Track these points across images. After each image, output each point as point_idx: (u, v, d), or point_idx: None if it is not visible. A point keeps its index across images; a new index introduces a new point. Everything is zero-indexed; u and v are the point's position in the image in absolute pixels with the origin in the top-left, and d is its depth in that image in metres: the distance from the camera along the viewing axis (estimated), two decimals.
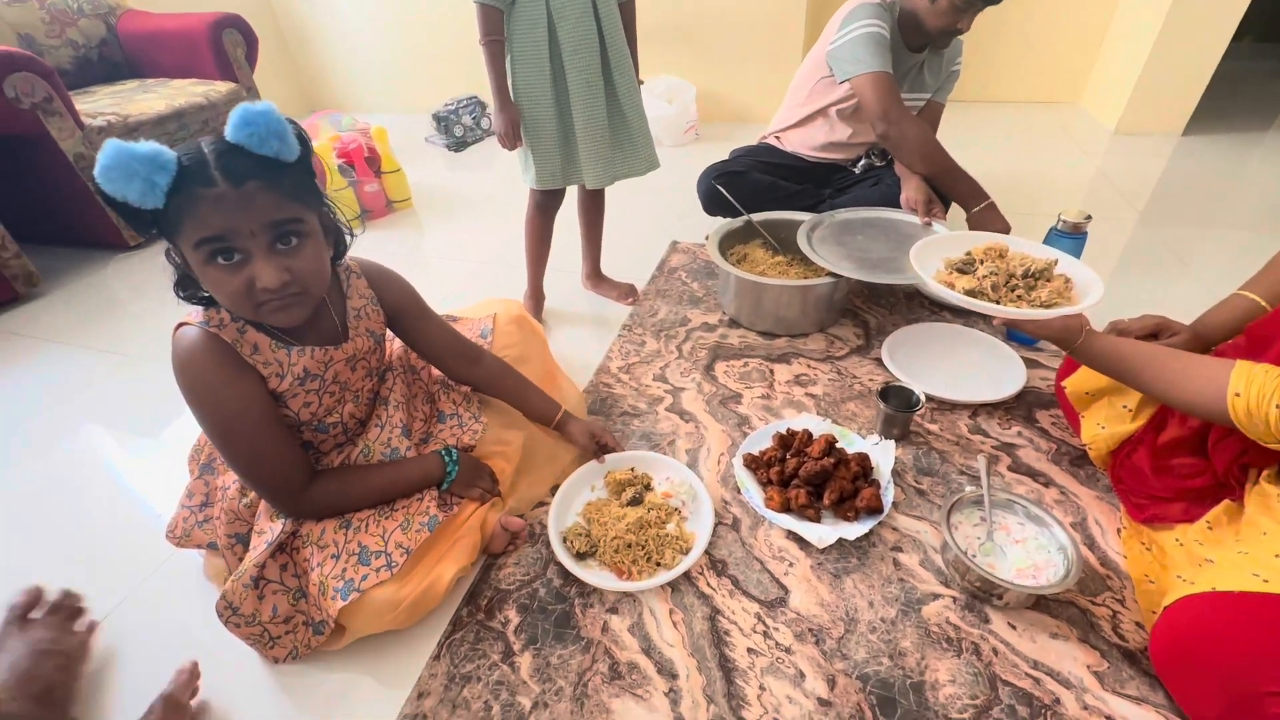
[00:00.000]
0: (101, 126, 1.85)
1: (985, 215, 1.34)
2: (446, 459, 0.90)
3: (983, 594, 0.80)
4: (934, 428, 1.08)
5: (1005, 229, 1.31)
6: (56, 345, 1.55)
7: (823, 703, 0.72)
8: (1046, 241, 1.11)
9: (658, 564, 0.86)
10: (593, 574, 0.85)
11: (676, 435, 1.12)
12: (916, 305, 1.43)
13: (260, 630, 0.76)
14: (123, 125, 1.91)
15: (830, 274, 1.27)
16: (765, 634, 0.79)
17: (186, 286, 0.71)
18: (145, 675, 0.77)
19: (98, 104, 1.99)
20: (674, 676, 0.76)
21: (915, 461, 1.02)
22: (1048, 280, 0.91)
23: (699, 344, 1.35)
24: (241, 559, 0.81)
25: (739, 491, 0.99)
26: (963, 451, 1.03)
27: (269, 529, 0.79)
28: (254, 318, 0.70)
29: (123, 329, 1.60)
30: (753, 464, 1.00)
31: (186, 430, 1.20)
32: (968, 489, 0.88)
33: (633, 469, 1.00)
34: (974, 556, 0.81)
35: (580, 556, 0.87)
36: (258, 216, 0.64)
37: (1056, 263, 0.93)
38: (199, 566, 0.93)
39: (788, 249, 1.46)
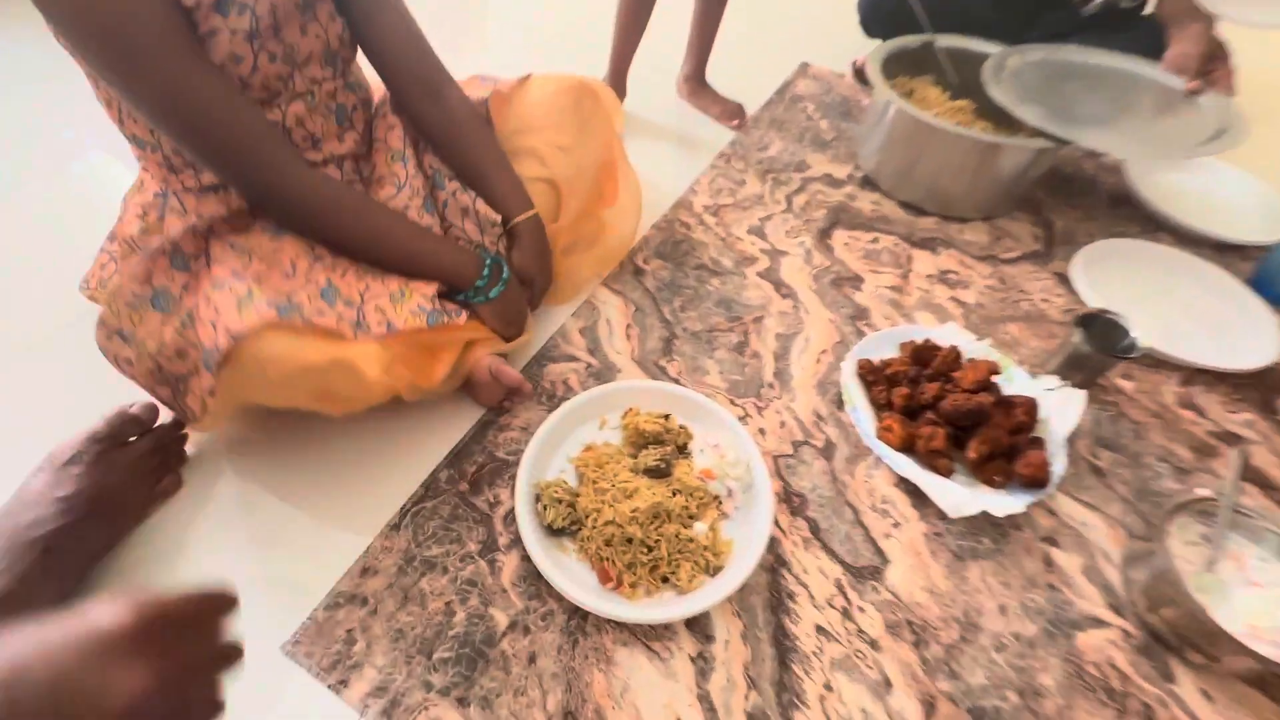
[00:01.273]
0: None
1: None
2: (488, 262, 0.64)
3: (1177, 640, 0.55)
4: (1128, 387, 0.77)
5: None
6: None
7: None
8: None
9: (665, 579, 0.56)
10: (562, 568, 0.55)
11: (766, 311, 0.82)
12: (1128, 214, 1.03)
13: (154, 367, 0.54)
14: None
15: (1035, 132, 0.87)
16: (845, 612, 0.56)
17: None
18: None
19: None
20: (709, 638, 0.54)
21: (1095, 426, 0.72)
22: None
23: (817, 200, 1.00)
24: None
25: (839, 406, 0.72)
26: (1165, 429, 0.72)
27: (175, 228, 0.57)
28: None
29: None
30: (869, 375, 0.71)
31: None
32: (1198, 491, 0.59)
33: (667, 416, 0.65)
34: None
35: (554, 532, 0.58)
36: None
37: None
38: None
39: (970, 94, 1.04)
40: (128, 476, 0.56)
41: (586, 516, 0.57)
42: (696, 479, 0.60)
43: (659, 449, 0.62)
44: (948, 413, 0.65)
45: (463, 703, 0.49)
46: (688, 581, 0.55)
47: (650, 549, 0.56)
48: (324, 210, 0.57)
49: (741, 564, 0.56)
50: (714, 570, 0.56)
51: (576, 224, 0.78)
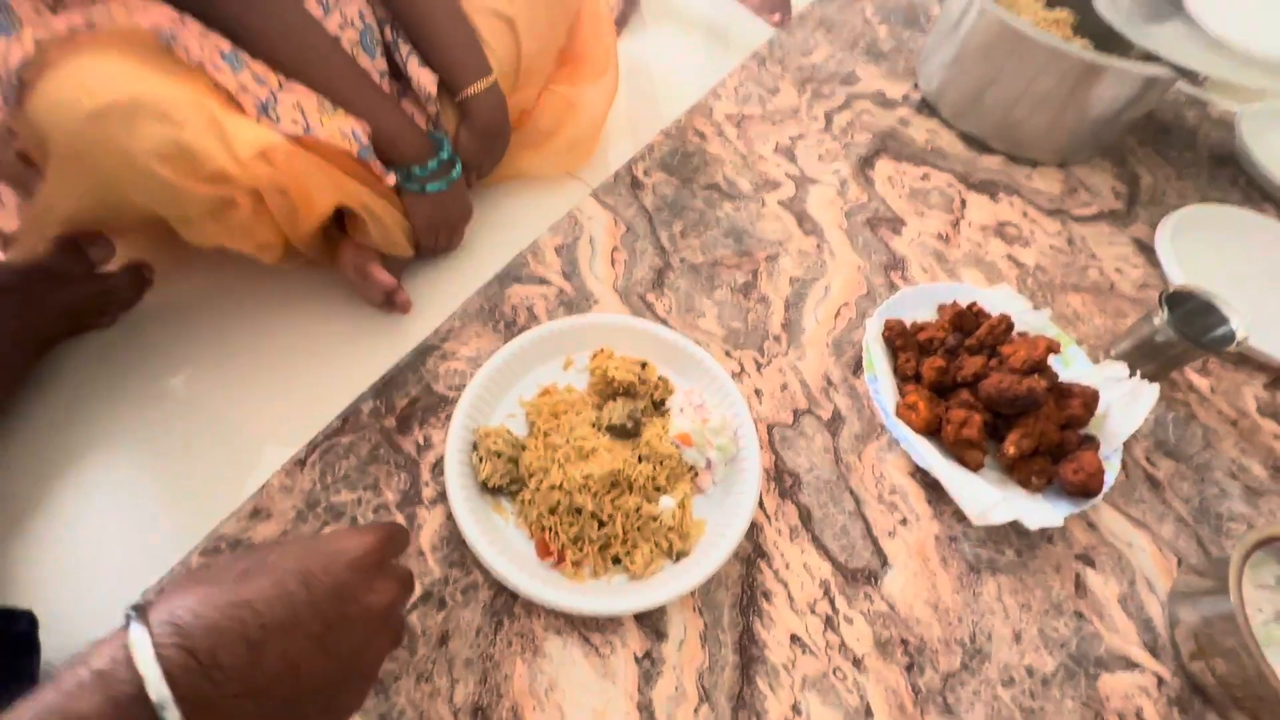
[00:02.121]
0: None
1: None
2: (439, 146, 0.53)
3: (1223, 696, 0.45)
4: (1203, 385, 0.64)
5: None
6: None
7: None
8: None
9: (616, 560, 0.45)
10: (493, 534, 0.44)
11: (783, 249, 0.68)
12: (1230, 177, 0.86)
13: None
14: None
15: (1147, 57, 0.69)
16: (829, 621, 0.47)
17: None
18: None
19: None
20: (660, 635, 0.45)
21: (1157, 428, 0.60)
22: None
23: (862, 121, 0.84)
24: None
25: (855, 371, 0.60)
26: (1241, 440, 0.60)
27: None
28: None
29: None
30: (897, 339, 0.58)
31: None
32: None
33: (644, 364, 0.52)
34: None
35: (490, 490, 0.47)
36: None
37: None
38: None
39: (1070, 2, 0.84)
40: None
41: (530, 476, 0.47)
42: (670, 444, 0.49)
43: (629, 403, 0.50)
44: (989, 396, 0.52)
45: None
46: (643, 567, 0.45)
47: (603, 524, 0.45)
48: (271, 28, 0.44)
49: (712, 552, 0.45)
50: (678, 555, 0.46)
51: (537, 100, 0.63)
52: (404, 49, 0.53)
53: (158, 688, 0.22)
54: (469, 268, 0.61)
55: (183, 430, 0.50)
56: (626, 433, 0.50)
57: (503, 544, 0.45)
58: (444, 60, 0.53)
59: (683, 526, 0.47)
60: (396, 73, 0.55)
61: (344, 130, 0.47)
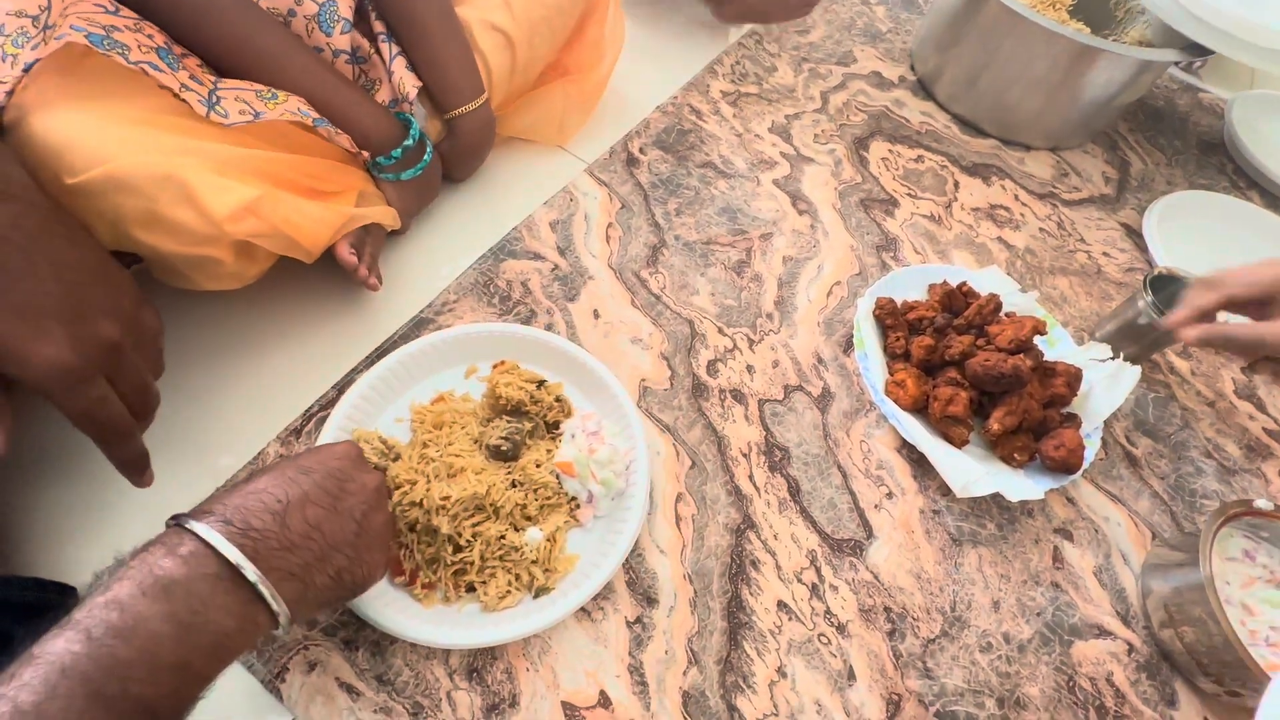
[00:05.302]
0: None
1: None
2: (409, 128, 0.52)
3: (1190, 663, 0.47)
4: (1183, 367, 0.65)
5: None
6: None
7: None
8: None
9: (470, 589, 0.43)
10: None
11: (777, 228, 0.69)
12: (1218, 164, 0.87)
13: None
14: None
15: (1142, 41, 0.70)
16: (815, 589, 0.48)
17: None
18: None
19: None
20: (651, 602, 0.46)
21: (1136, 408, 0.62)
22: None
23: (857, 102, 0.84)
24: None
25: (846, 350, 0.60)
26: (1217, 420, 0.62)
27: None
28: None
29: None
30: (888, 318, 0.59)
31: None
32: (1258, 503, 0.49)
33: (541, 383, 0.49)
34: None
35: None
36: None
37: None
38: None
39: None
40: None
41: (396, 488, 0.42)
42: (548, 472, 0.46)
43: (512, 423, 0.47)
44: (976, 374, 0.54)
45: (350, 645, 0.42)
46: (496, 599, 0.42)
47: (459, 549, 0.42)
48: (184, 4, 0.42)
49: (576, 590, 0.42)
50: (537, 592, 0.43)
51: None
52: (390, 48, 0.52)
53: (224, 545, 0.27)
54: (464, 241, 0.61)
55: (179, 400, 0.50)
56: (503, 455, 0.46)
57: None
58: (437, 79, 0.52)
59: (550, 560, 0.44)
60: (360, 56, 0.53)
61: (290, 109, 0.45)
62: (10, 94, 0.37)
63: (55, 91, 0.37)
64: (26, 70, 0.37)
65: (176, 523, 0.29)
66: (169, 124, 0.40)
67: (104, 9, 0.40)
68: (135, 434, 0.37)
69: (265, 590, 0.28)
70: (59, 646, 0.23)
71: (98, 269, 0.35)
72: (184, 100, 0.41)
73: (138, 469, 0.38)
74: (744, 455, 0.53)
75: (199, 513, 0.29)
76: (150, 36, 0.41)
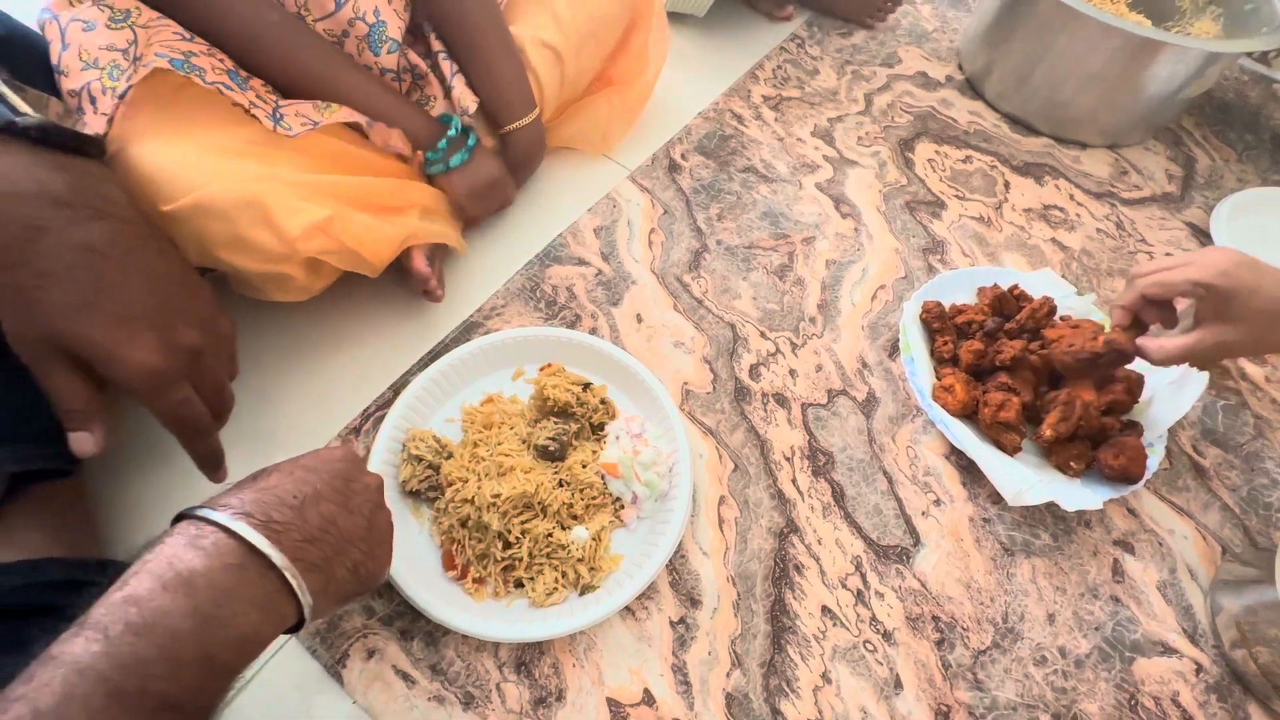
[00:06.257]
0: None
1: None
2: (450, 126, 0.54)
3: (1265, 686, 0.45)
4: (1257, 374, 0.62)
5: None
6: None
7: None
8: None
9: (518, 585, 0.44)
10: (402, 538, 0.40)
11: (820, 231, 0.68)
12: None
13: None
14: None
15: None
16: (860, 595, 0.47)
17: None
18: None
19: None
20: (694, 603, 0.46)
21: (1204, 416, 0.59)
22: None
23: (903, 103, 0.82)
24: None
25: (891, 354, 0.60)
26: None
27: None
28: None
29: None
30: (935, 322, 0.58)
31: None
32: None
33: (587, 385, 0.50)
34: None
35: (410, 494, 0.47)
36: None
37: None
38: None
39: None
40: None
41: (449, 485, 0.45)
42: (594, 473, 0.47)
43: (560, 424, 0.48)
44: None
45: (406, 635, 0.43)
46: (543, 596, 0.43)
47: (509, 545, 0.44)
48: (239, 32, 0.46)
49: (621, 588, 0.43)
50: (583, 589, 0.44)
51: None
52: (449, 66, 0.55)
53: (252, 534, 0.27)
54: (511, 247, 0.63)
55: (250, 400, 0.53)
56: (550, 455, 0.48)
57: (410, 550, 0.44)
58: (491, 95, 0.55)
59: (595, 559, 0.45)
60: (418, 74, 0.57)
61: (342, 116, 0.48)
62: (110, 121, 0.40)
63: (149, 123, 0.41)
64: (121, 98, 0.41)
65: (190, 516, 0.28)
66: (248, 152, 0.44)
67: (181, 36, 0.44)
68: (214, 432, 0.40)
69: (293, 579, 0.28)
70: (77, 646, 0.23)
71: (182, 280, 0.38)
72: (254, 116, 0.44)
73: (214, 464, 0.40)
74: (787, 459, 0.53)
75: (215, 505, 0.28)
76: (221, 60, 0.45)
